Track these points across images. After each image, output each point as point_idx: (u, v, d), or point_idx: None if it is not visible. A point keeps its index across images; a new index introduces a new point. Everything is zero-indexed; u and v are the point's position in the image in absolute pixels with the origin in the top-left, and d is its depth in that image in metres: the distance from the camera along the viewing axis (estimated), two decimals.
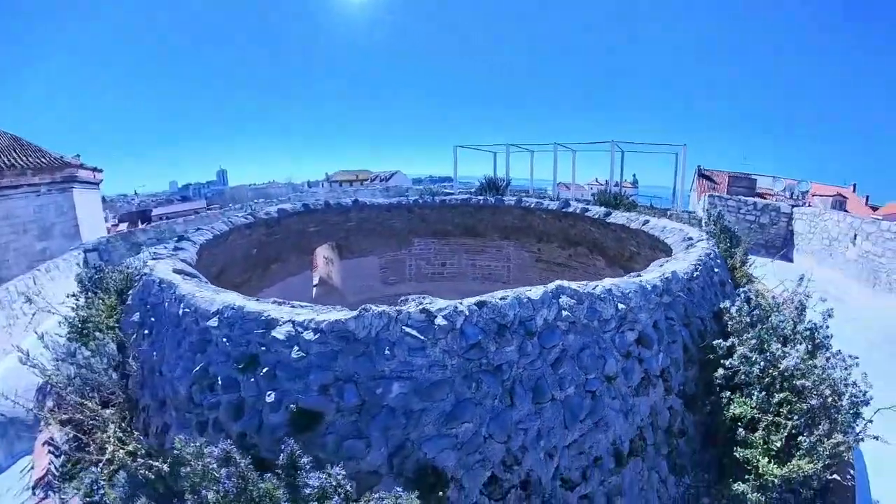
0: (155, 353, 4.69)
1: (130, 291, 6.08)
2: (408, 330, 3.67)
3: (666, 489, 4.34)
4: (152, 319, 5.04)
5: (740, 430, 4.06)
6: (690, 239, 7.97)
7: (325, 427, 3.49)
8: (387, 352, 3.59)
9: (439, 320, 3.70)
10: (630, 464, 4.11)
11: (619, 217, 10.02)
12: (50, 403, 4.93)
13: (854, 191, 32.71)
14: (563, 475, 3.81)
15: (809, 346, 4.33)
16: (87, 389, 4.78)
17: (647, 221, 9.40)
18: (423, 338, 3.64)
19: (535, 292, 4.09)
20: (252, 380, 3.73)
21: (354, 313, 3.73)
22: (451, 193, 14.12)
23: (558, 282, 4.33)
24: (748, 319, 4.82)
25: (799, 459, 3.65)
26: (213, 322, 4.20)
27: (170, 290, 4.97)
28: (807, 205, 16.28)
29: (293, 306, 4.16)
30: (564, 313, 4.08)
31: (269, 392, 3.62)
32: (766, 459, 3.76)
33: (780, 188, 19.74)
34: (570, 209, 10.85)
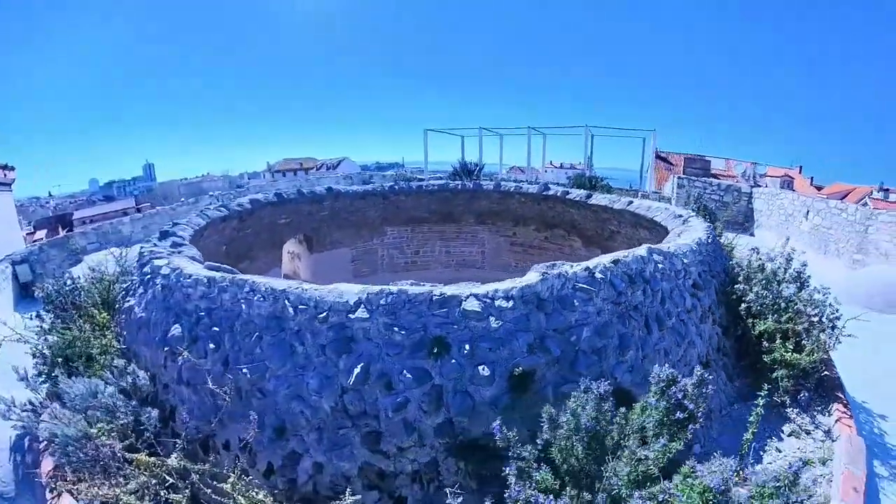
0: (245, 371, 4.18)
1: (135, 299, 5.36)
2: (580, 285, 4.37)
3: (726, 389, 5.66)
4: (214, 329, 4.47)
5: (765, 342, 5.57)
6: (681, 216, 8.29)
7: (539, 383, 3.97)
8: (575, 303, 4.27)
9: (598, 275, 4.50)
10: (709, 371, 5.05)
11: (600, 198, 10.23)
12: (49, 464, 3.99)
13: (800, 172, 35.63)
14: None
15: (798, 284, 6.03)
16: (113, 435, 3.92)
17: (630, 202, 9.65)
18: (591, 289, 4.37)
19: (642, 250, 5.12)
20: (452, 360, 3.89)
21: (536, 277, 4.26)
22: (423, 180, 13.83)
23: (647, 245, 5.32)
24: (757, 266, 6.39)
25: (806, 355, 5.26)
26: (362, 313, 3.98)
27: (242, 290, 4.43)
28: (764, 186, 17.46)
29: (438, 285, 4.25)
30: (659, 266, 5.15)
31: (479, 366, 3.87)
32: (789, 354, 5.34)
33: (741, 171, 21.01)
34: (551, 192, 10.94)
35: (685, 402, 3.46)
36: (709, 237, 6.55)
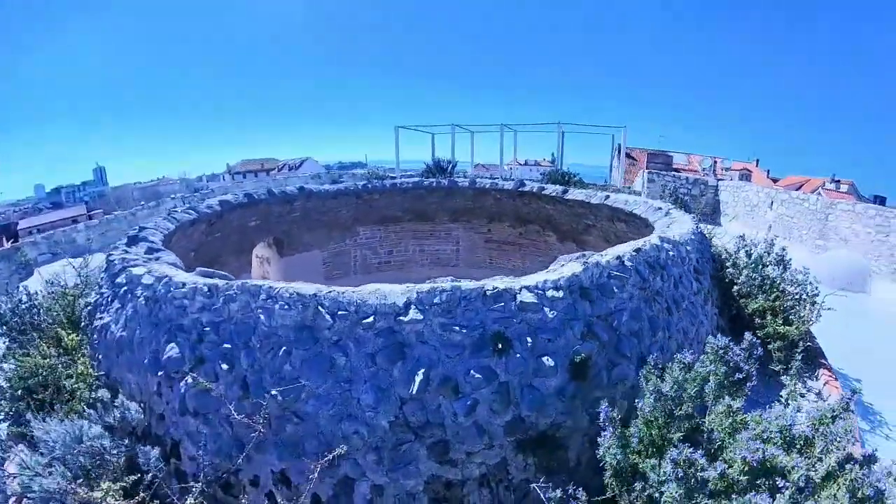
0: (275, 394, 3.83)
1: (109, 315, 4.89)
2: (614, 273, 4.53)
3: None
4: (225, 347, 4.07)
5: (757, 320, 6.19)
6: (660, 208, 8.44)
7: (593, 368, 4.03)
8: (614, 290, 4.42)
9: (627, 263, 4.70)
10: None
11: (577, 193, 10.29)
12: None
13: (757, 165, 36.94)
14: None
15: (782, 266, 6.76)
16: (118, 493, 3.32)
17: (608, 196, 9.75)
18: (624, 276, 4.55)
19: (654, 239, 5.43)
20: (517, 355, 3.85)
21: (579, 267, 4.38)
22: (395, 178, 13.60)
23: (658, 233, 5.72)
24: (744, 252, 6.99)
25: (795, 328, 5.95)
26: (415, 315, 3.78)
27: (256, 298, 4.07)
28: (729, 179, 18.05)
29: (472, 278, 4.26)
30: (670, 253, 5.41)
31: (543, 357, 3.88)
32: (781, 328, 5.97)
33: (707, 165, 21.64)
34: (527, 188, 10.92)
35: (741, 364, 3.73)
36: (697, 226, 6.92)
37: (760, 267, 6.66)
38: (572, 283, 4.23)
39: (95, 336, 5.04)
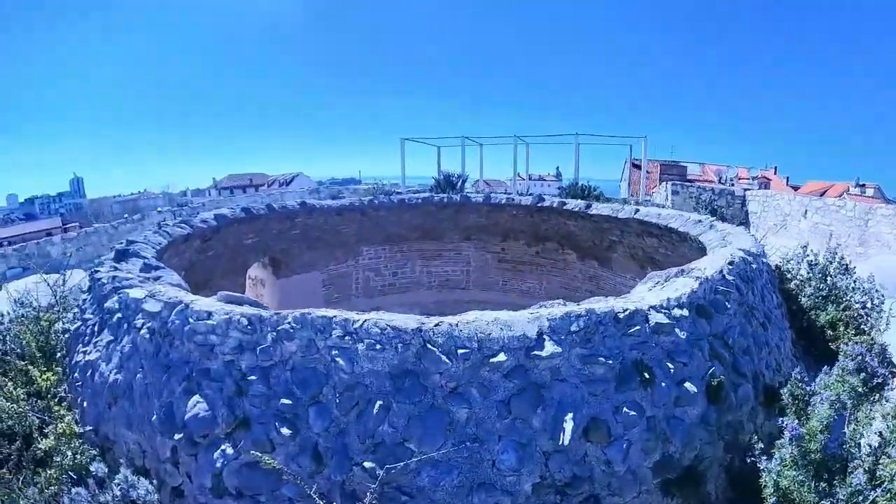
0: (370, 465, 3.08)
1: (97, 350, 3.95)
2: (719, 288, 4.27)
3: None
4: (283, 403, 3.22)
5: (828, 331, 5.99)
6: (700, 222, 7.85)
7: (724, 390, 3.70)
8: (727, 305, 4.16)
9: (728, 277, 4.47)
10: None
11: (602, 208, 9.66)
12: None
13: (776, 173, 35.78)
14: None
15: (847, 275, 6.62)
16: None
17: (637, 210, 9.11)
18: (729, 291, 4.31)
19: (738, 253, 5.06)
20: (662, 384, 3.45)
21: (694, 283, 4.11)
22: (401, 193, 12.81)
23: (740, 251, 5.16)
24: (809, 262, 6.85)
25: (869, 338, 5.66)
26: (551, 348, 3.24)
27: (326, 334, 3.31)
28: (759, 188, 17.61)
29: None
30: (754, 266, 5.07)
31: (684, 384, 3.53)
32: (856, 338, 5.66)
33: (732, 175, 21.13)
34: (546, 203, 10.23)
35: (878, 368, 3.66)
36: (756, 241, 6.36)
37: (827, 277, 6.56)
38: (693, 300, 3.94)
39: (77, 374, 4.07)
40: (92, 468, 3.39)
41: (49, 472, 3.35)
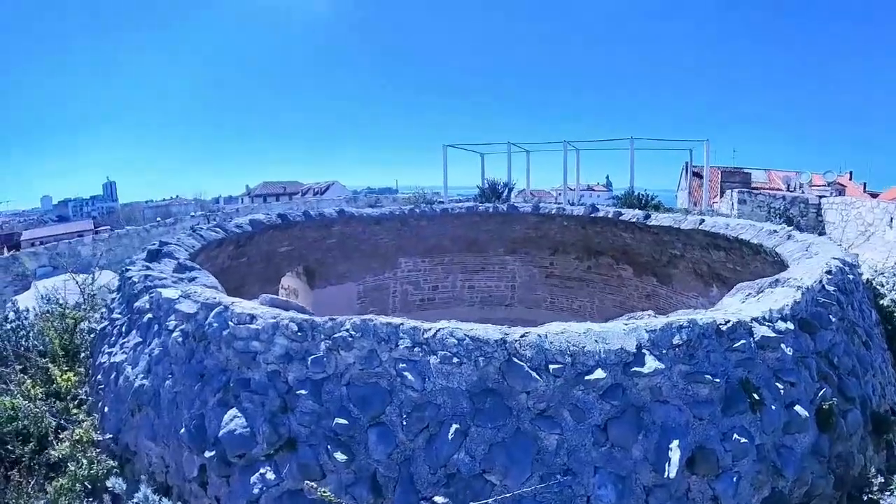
0: (440, 500, 2.67)
1: (123, 352, 3.47)
2: (820, 300, 3.86)
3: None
4: (338, 423, 2.81)
5: None
6: (775, 232, 7.11)
7: (835, 417, 3.33)
8: (832, 319, 3.74)
9: (829, 288, 4.05)
10: None
11: (662, 218, 8.93)
12: None
13: (850, 178, 32.93)
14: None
15: None
16: None
17: (703, 220, 8.36)
18: (831, 303, 3.88)
19: (834, 262, 4.58)
20: (772, 408, 3.03)
21: (797, 294, 3.71)
22: (443, 202, 12.27)
23: (835, 260, 4.67)
24: None
25: None
26: (652, 363, 2.85)
27: (391, 344, 2.96)
28: (832, 195, 16.51)
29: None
30: (850, 277, 4.62)
31: (793, 407, 3.11)
32: None
33: (806, 180, 19.99)
34: (600, 214, 9.55)
35: None
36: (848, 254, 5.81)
37: None
38: (796, 312, 3.56)
39: (100, 377, 3.56)
40: (109, 483, 2.87)
41: (61, 481, 2.88)
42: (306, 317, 3.11)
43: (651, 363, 2.79)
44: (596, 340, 2.81)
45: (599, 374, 2.73)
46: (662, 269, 9.26)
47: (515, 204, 10.68)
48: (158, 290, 3.48)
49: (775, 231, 7.08)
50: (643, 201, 10.85)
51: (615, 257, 9.86)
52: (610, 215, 9.37)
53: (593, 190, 52.23)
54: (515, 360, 2.75)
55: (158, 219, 15.19)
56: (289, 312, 3.20)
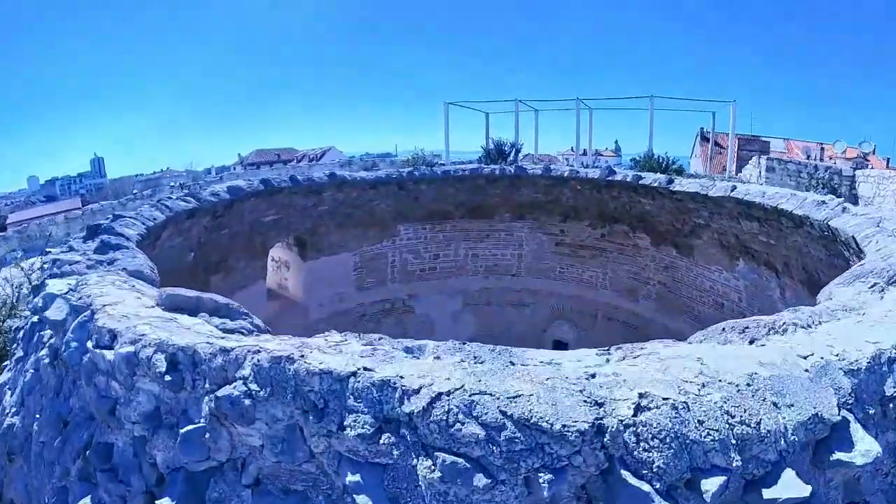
0: None
1: (24, 376, 2.63)
2: None
3: None
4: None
5: None
6: (824, 203, 6.23)
7: None
8: None
9: None
10: None
11: (687, 184, 8.03)
12: None
13: (874, 152, 31.45)
14: None
15: None
16: None
17: (734, 187, 7.47)
18: None
19: None
20: None
21: None
22: (444, 166, 11.35)
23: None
24: None
25: None
26: (869, 445, 1.64)
27: (415, 399, 1.61)
28: (869, 167, 15.50)
29: None
30: None
31: None
32: None
33: (840, 150, 18.85)
34: (618, 177, 8.63)
35: None
36: None
37: None
38: None
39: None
40: None
41: None
42: (189, 342, 1.83)
43: (865, 442, 1.62)
44: (774, 403, 1.56)
45: (790, 479, 1.50)
46: (684, 239, 8.44)
47: (524, 166, 9.75)
48: (48, 282, 2.53)
49: (823, 202, 6.19)
50: (664, 165, 9.90)
51: (632, 225, 9.03)
52: (629, 178, 8.46)
53: (601, 155, 48.98)
54: (624, 472, 1.40)
55: (135, 191, 14.21)
56: (183, 322, 2.04)
